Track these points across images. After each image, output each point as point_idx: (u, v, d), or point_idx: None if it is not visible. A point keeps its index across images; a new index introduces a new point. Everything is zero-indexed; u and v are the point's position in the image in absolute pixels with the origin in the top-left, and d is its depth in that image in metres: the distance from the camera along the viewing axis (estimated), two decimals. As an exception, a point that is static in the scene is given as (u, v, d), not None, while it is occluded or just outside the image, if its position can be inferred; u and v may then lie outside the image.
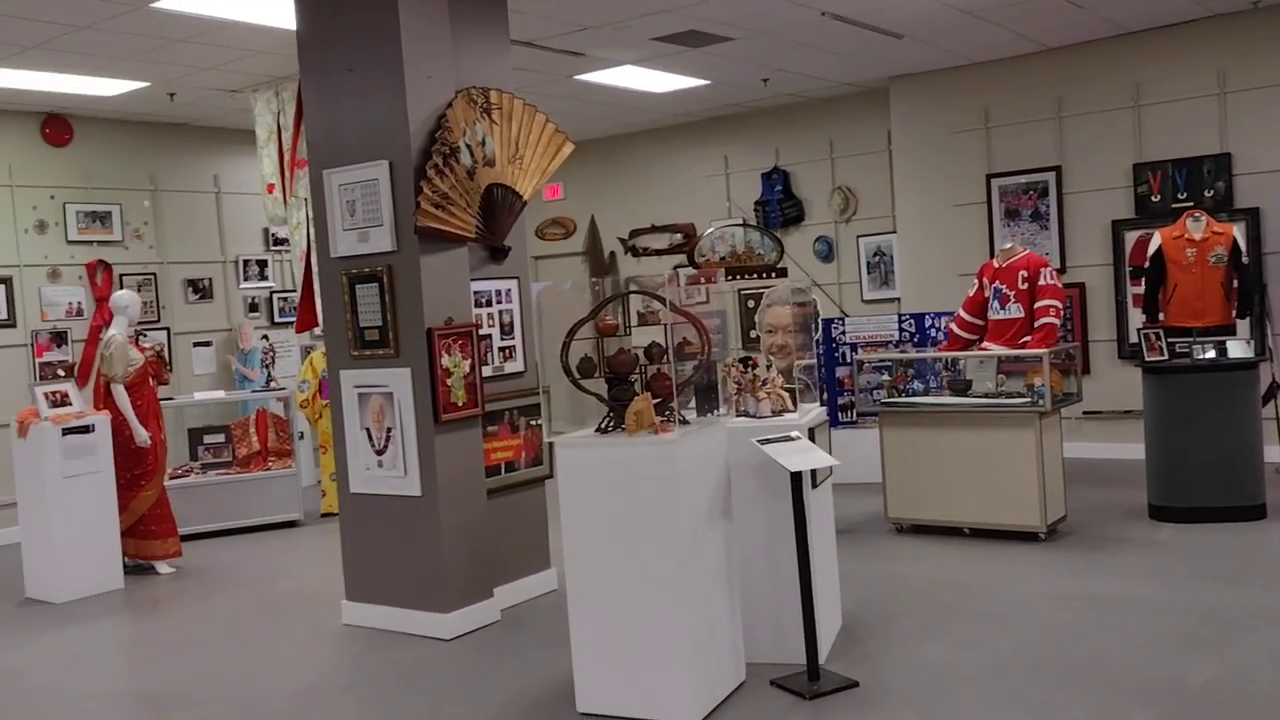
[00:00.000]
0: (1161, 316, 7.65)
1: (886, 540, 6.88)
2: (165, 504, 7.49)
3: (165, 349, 9.49)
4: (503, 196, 5.78)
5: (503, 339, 6.09)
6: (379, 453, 5.64)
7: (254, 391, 9.41)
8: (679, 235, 9.55)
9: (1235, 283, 7.59)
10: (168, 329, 9.85)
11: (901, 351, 8.24)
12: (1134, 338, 8.10)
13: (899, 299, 10.44)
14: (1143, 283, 8.01)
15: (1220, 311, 7.52)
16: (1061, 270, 9.17)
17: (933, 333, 8.55)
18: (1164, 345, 6.93)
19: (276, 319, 10.67)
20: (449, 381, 5.49)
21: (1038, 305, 7.02)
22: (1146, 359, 6.94)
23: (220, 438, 8.95)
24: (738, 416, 4.86)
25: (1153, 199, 9.00)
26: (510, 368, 6.13)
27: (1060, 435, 6.86)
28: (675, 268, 8.96)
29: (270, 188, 8.49)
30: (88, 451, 6.96)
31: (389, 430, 5.58)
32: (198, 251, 10.20)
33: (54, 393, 7.08)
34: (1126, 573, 5.85)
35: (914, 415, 6.93)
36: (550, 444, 5.44)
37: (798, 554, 4.45)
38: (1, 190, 8.92)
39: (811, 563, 4.48)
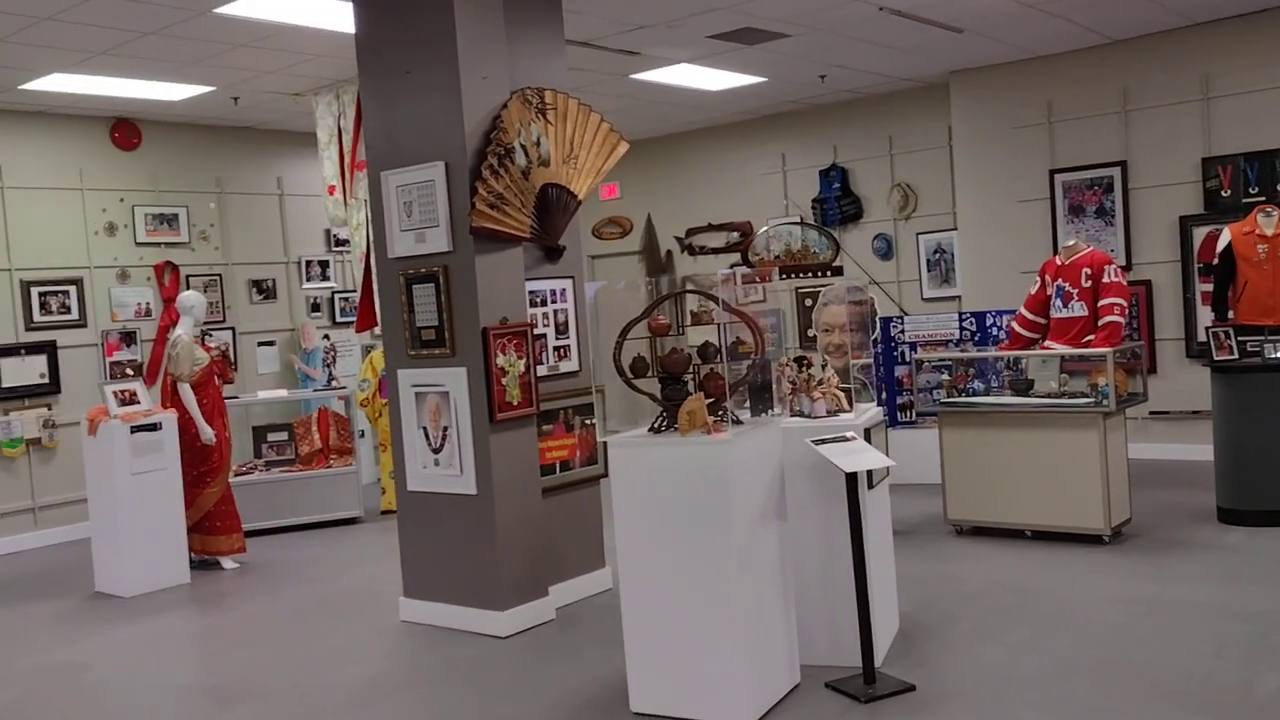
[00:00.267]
0: (1231, 314, 7.45)
1: (946, 542, 6.79)
2: (230, 500, 7.63)
3: (230, 348, 9.67)
4: (557, 196, 5.81)
5: (557, 338, 6.11)
6: (435, 451, 5.69)
7: (316, 390, 9.56)
8: (736, 234, 9.52)
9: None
10: (233, 329, 10.04)
11: (962, 350, 8.12)
12: (1202, 336, 7.91)
13: (959, 297, 10.30)
14: (1212, 280, 7.81)
15: (1292, 309, 7.30)
16: (1127, 267, 8.98)
17: (994, 331, 8.42)
18: (1233, 344, 6.76)
19: (338, 319, 10.83)
20: (504, 381, 5.53)
21: (1102, 303, 6.88)
22: (1215, 358, 6.78)
23: (283, 436, 9.11)
24: (792, 416, 4.83)
25: (1222, 194, 8.78)
26: (565, 367, 6.15)
27: (1125, 436, 6.72)
28: (732, 266, 8.94)
29: (331, 189, 8.62)
30: (155, 449, 7.11)
31: (445, 429, 5.63)
32: (261, 252, 10.38)
33: (123, 391, 7.25)
34: (1193, 577, 5.71)
35: (974, 415, 6.83)
36: (604, 443, 5.45)
37: (853, 555, 4.41)
38: (72, 193, 9.16)
39: (867, 564, 4.44)
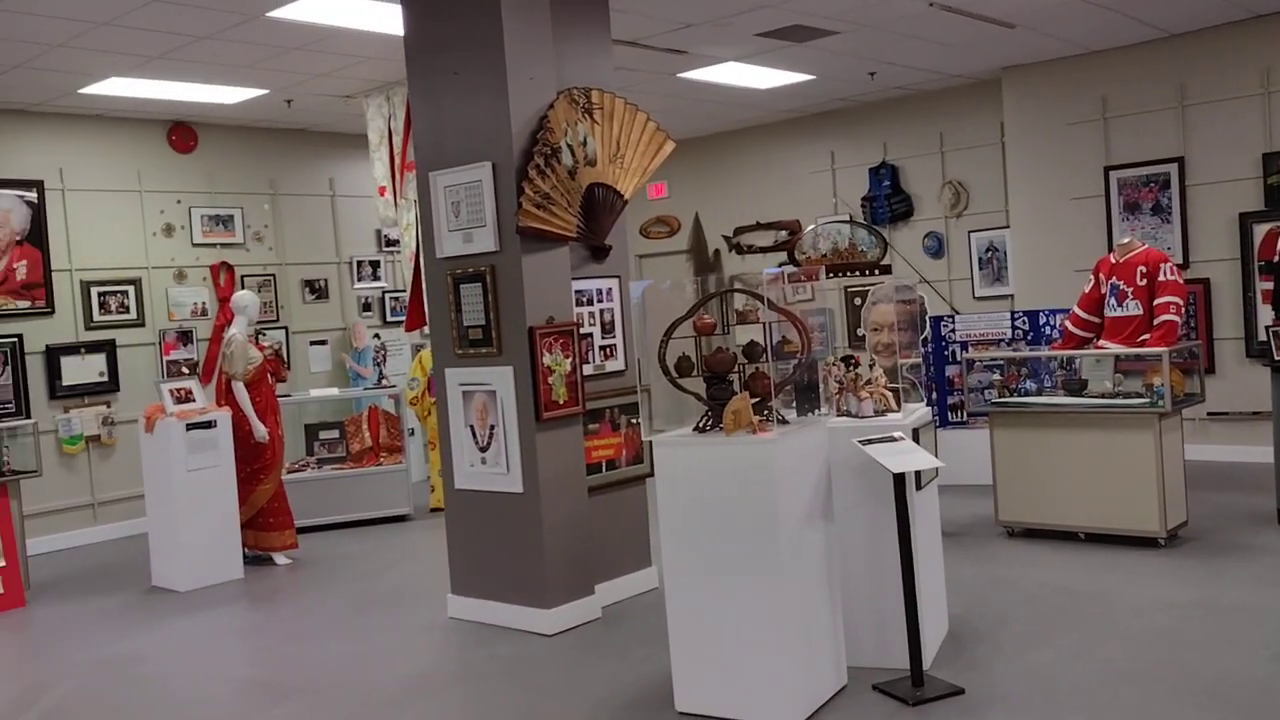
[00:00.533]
0: (1292, 313, 7.28)
1: (997, 544, 6.71)
2: (283, 497, 7.74)
3: (283, 347, 9.81)
4: (604, 196, 5.82)
5: (603, 338, 6.13)
6: (482, 450, 5.73)
7: (366, 389, 9.67)
8: (784, 232, 9.48)
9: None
10: (286, 328, 10.18)
11: (1014, 350, 8.02)
12: (1262, 336, 7.73)
13: (1012, 296, 10.17)
14: (1272, 278, 7.63)
15: (1357, 308, 7.11)
16: (1184, 265, 8.81)
17: (1047, 330, 8.30)
18: (1295, 343, 6.60)
19: (388, 318, 10.94)
20: (550, 380, 5.55)
21: (1157, 302, 6.75)
22: (1276, 358, 6.62)
23: (335, 433, 9.23)
24: (839, 416, 4.80)
25: (1284, 190, 8.58)
26: (611, 366, 6.16)
27: (1182, 437, 6.60)
28: (780, 265, 8.90)
29: (382, 190, 8.73)
30: (210, 446, 7.23)
31: (492, 428, 5.67)
32: (314, 253, 10.52)
33: (179, 389, 7.38)
34: (1252, 581, 5.58)
35: (1026, 415, 6.74)
36: (649, 442, 5.45)
37: (901, 557, 4.37)
38: (131, 195, 9.34)
39: (915, 566, 4.39)
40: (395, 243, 10.33)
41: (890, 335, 5.97)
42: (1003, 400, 6.98)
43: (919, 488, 4.64)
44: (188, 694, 5.15)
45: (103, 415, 8.99)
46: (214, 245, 9.79)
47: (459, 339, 5.78)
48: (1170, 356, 6.35)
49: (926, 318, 8.29)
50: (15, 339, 8.56)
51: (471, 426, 5.78)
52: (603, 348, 6.12)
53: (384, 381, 9.61)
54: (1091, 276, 7.27)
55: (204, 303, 9.68)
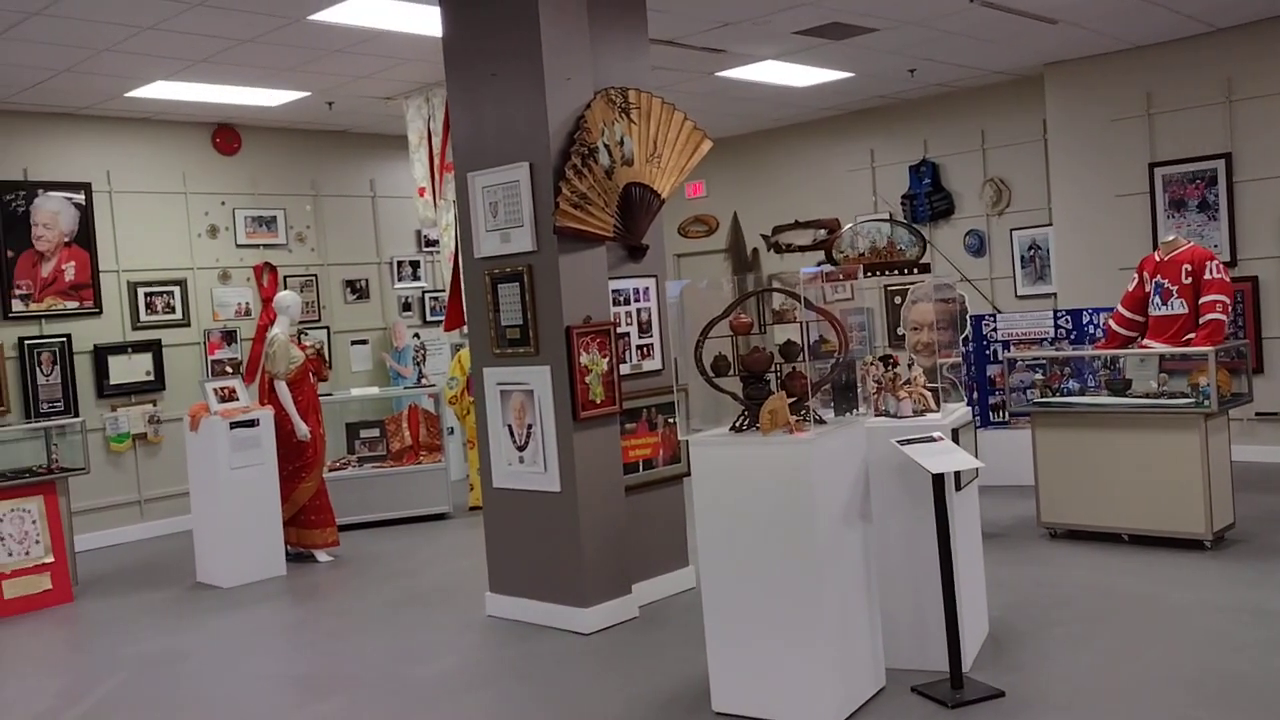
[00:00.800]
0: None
1: (1039, 545, 6.63)
2: (324, 495, 7.82)
3: (325, 347, 9.92)
4: (641, 195, 5.82)
5: (640, 337, 6.13)
6: (520, 449, 5.75)
7: (406, 388, 9.74)
8: (823, 231, 9.41)
9: None
10: (327, 328, 10.28)
11: (1057, 349, 7.92)
12: (1313, 334, 7.58)
13: (1055, 294, 10.05)
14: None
15: None
16: (1231, 263, 8.66)
17: (1090, 330, 8.20)
18: (1346, 342, 6.46)
19: (428, 318, 11.02)
20: (587, 379, 5.56)
21: (1203, 300, 6.64)
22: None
23: (375, 432, 9.31)
24: (877, 416, 4.77)
25: (1336, 185, 8.41)
26: (648, 366, 6.16)
27: (1228, 438, 6.48)
28: (819, 264, 8.85)
29: (421, 191, 8.80)
30: (253, 444, 7.32)
31: (529, 427, 5.69)
32: (355, 253, 10.62)
33: (223, 388, 7.48)
34: (1301, 585, 5.48)
35: (1069, 416, 6.66)
36: (685, 442, 5.45)
37: (940, 558, 4.33)
38: (176, 197, 9.48)
39: (955, 567, 4.36)
40: (435, 243, 10.40)
41: (930, 334, 5.93)
42: (1045, 400, 6.90)
43: (958, 488, 4.60)
44: (231, 689, 5.21)
45: (149, 414, 9.14)
46: (257, 246, 9.92)
47: (497, 338, 5.81)
48: (1216, 356, 6.25)
49: (967, 317, 8.20)
50: (64, 339, 8.72)
51: (509, 426, 5.80)
52: (639, 347, 6.13)
53: (423, 380, 9.67)
54: (1135, 275, 7.17)
55: (247, 303, 9.80)
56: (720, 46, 8.23)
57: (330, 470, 8.58)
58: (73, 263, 8.82)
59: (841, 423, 4.39)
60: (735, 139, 12.11)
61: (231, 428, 7.23)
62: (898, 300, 7.63)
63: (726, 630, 4.27)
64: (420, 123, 8.70)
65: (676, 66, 8.61)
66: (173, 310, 9.37)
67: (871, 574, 4.44)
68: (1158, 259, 7.03)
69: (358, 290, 10.62)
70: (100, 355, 8.92)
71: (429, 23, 6.66)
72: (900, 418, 4.73)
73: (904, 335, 6.72)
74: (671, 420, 6.16)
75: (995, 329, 8.62)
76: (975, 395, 8.38)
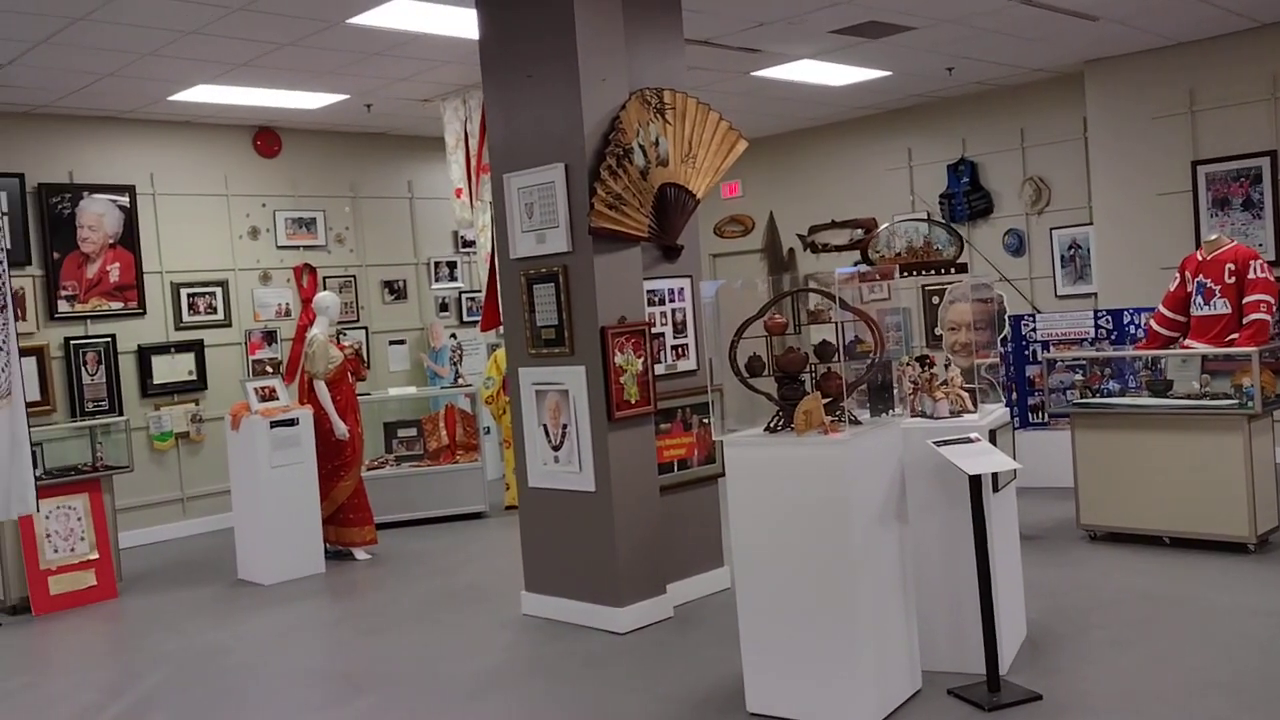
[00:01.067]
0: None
1: (1078, 548, 6.57)
2: (362, 494, 7.89)
3: (363, 347, 10.00)
4: (676, 196, 5.83)
5: (675, 337, 6.14)
6: (555, 449, 5.78)
7: (443, 388, 9.81)
8: (860, 230, 9.36)
9: None
10: (366, 328, 10.38)
11: (1097, 350, 7.84)
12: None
13: (1095, 294, 9.93)
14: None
15: None
16: (1276, 263, 8.52)
17: (1131, 330, 8.10)
18: (1395, 343, 6.35)
19: (465, 318, 11.09)
20: (622, 379, 5.58)
21: (1247, 300, 6.55)
22: (1374, 358, 6.38)
23: (413, 431, 9.39)
24: (914, 417, 4.74)
25: (1385, 183, 8.25)
26: (683, 366, 6.17)
27: (1273, 439, 6.39)
28: (855, 264, 8.81)
29: (458, 192, 8.85)
30: (293, 443, 7.40)
31: (565, 427, 5.71)
32: (393, 254, 10.71)
33: (263, 388, 7.57)
34: (1348, 590, 5.39)
35: (1109, 417, 6.59)
36: (720, 442, 5.45)
37: (977, 560, 4.31)
38: (218, 199, 9.61)
39: (992, 569, 4.33)
40: (471, 244, 10.46)
41: (967, 335, 5.89)
42: (1085, 401, 6.83)
43: (996, 490, 4.57)
44: (271, 685, 5.28)
45: (191, 413, 9.27)
46: (297, 248, 10.02)
47: (532, 339, 5.84)
48: (1260, 356, 6.16)
49: (1005, 317, 8.14)
50: (109, 339, 8.87)
51: (545, 425, 5.83)
52: (674, 347, 6.14)
53: (460, 380, 9.74)
54: (1177, 274, 7.08)
55: (287, 304, 9.91)
56: (756, 46, 8.21)
57: (368, 469, 8.65)
58: (117, 264, 8.96)
59: (877, 423, 4.37)
60: (771, 139, 12.08)
61: (271, 427, 7.32)
62: (935, 300, 7.56)
63: (761, 631, 4.27)
64: (457, 124, 8.75)
65: (712, 66, 8.61)
66: (214, 311, 9.50)
67: (908, 575, 4.42)
68: (1200, 258, 6.94)
69: (395, 291, 10.71)
70: (144, 355, 9.06)
71: (466, 25, 6.70)
72: (937, 418, 4.70)
73: (941, 335, 6.67)
74: (706, 420, 6.16)
75: (1035, 329, 8.55)
76: (1014, 396, 8.31)
